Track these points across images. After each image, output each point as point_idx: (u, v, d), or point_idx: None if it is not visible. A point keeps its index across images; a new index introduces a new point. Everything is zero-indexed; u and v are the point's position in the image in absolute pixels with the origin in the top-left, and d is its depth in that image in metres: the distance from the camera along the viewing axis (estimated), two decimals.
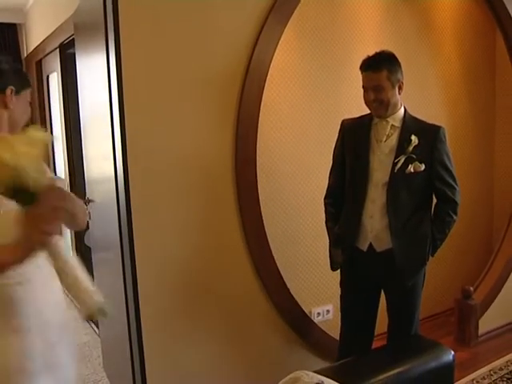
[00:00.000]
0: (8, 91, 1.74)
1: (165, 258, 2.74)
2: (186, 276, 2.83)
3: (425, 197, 2.71)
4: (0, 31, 5.95)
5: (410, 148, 2.59)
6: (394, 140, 2.65)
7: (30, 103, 1.89)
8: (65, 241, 1.31)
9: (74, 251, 5.06)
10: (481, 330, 4.02)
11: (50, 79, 5.43)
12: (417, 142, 2.58)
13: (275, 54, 2.96)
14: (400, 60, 3.65)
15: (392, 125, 2.66)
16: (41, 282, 1.65)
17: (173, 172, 2.72)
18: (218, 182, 2.84)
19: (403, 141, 2.61)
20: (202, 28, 2.71)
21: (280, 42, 2.96)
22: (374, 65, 2.57)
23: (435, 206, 2.77)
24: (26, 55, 6.06)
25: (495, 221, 4.73)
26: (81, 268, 1.53)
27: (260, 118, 2.89)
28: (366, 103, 2.64)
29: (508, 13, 3.86)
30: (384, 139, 2.67)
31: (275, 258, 3.13)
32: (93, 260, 3.55)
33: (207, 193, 2.83)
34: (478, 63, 4.46)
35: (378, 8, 3.79)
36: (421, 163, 2.59)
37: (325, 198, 2.93)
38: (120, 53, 2.50)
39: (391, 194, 2.63)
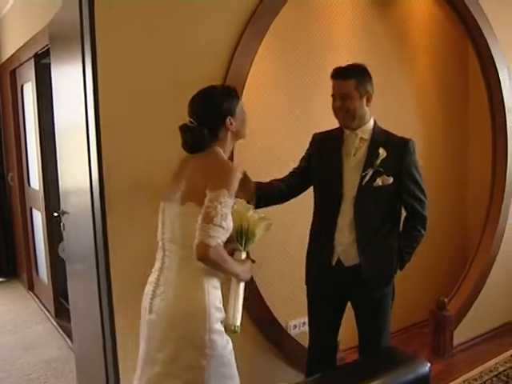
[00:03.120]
0: (227, 122, 2.18)
1: (140, 270, 2.66)
2: None
3: (393, 210, 2.72)
4: None
5: (378, 161, 2.59)
6: (362, 153, 2.65)
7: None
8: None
9: (48, 263, 4.98)
10: (455, 341, 4.06)
11: (24, 89, 5.36)
12: (385, 154, 2.58)
13: (252, 66, 2.96)
14: (374, 70, 3.64)
15: (361, 137, 2.67)
16: None
17: (150, 184, 2.67)
18: None
19: (371, 154, 2.62)
20: (179, 40, 2.71)
21: (257, 55, 2.97)
22: (344, 73, 2.61)
23: (404, 219, 2.77)
24: None
25: (469, 232, 4.76)
26: (240, 294, 2.25)
27: None
28: (333, 112, 2.66)
29: (480, 30, 3.90)
30: (353, 152, 2.67)
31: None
32: (67, 272, 3.50)
33: None
34: (451, 75, 4.52)
35: (352, 20, 3.82)
36: (389, 176, 2.59)
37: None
38: (96, 64, 2.48)
39: (358, 207, 2.63)
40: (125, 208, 2.65)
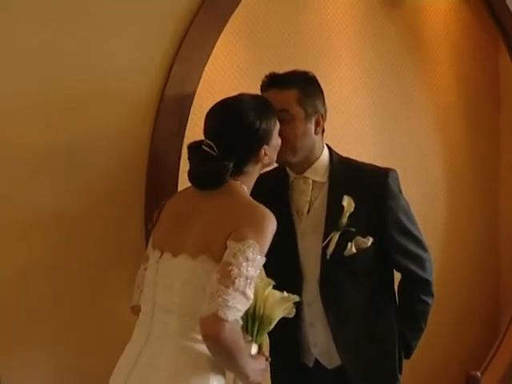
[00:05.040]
0: (262, 152, 1.68)
1: None
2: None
3: (381, 280, 2.02)
4: None
5: (345, 219, 1.85)
6: (320, 208, 1.92)
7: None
8: None
9: None
10: None
11: None
12: (352, 206, 1.85)
13: (208, 73, 2.23)
14: (383, 85, 3.32)
15: (314, 182, 1.93)
16: None
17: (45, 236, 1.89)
18: (117, 247, 2.05)
19: (333, 207, 1.88)
20: (96, 38, 1.92)
21: (220, 58, 2.28)
22: (281, 80, 1.87)
23: (399, 287, 2.08)
24: None
25: (502, 286, 4.14)
26: None
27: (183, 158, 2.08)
28: None
29: None
30: (306, 209, 1.94)
31: None
32: None
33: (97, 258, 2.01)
34: (479, 87, 3.98)
35: (354, 20, 3.19)
36: (365, 236, 1.87)
37: None
38: None
39: (328, 293, 1.92)
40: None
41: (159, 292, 1.66)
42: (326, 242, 1.86)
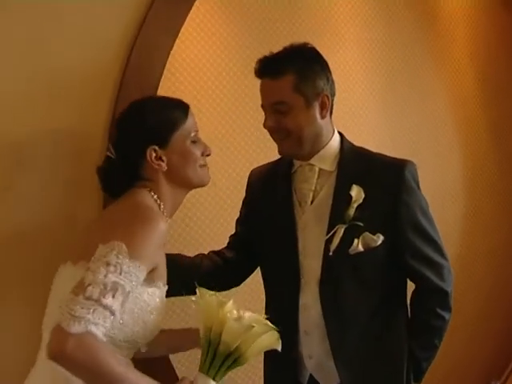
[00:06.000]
0: (148, 155, 1.55)
1: None
2: None
3: (392, 285, 1.87)
4: None
5: (352, 210, 1.73)
6: (325, 198, 1.79)
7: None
8: None
9: None
10: None
11: None
12: (362, 196, 1.73)
13: (178, 54, 2.06)
14: (394, 70, 3.25)
15: (321, 170, 1.80)
16: None
17: None
18: None
19: (340, 198, 1.76)
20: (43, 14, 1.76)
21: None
22: (273, 67, 1.72)
23: (413, 297, 1.92)
24: None
25: None
26: None
27: None
28: (269, 134, 1.81)
29: None
30: (310, 199, 1.80)
31: None
32: None
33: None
34: (500, 71, 3.78)
35: None
36: (375, 233, 1.73)
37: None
38: None
39: (327, 294, 1.78)
40: None
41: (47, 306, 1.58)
42: (329, 234, 1.74)
